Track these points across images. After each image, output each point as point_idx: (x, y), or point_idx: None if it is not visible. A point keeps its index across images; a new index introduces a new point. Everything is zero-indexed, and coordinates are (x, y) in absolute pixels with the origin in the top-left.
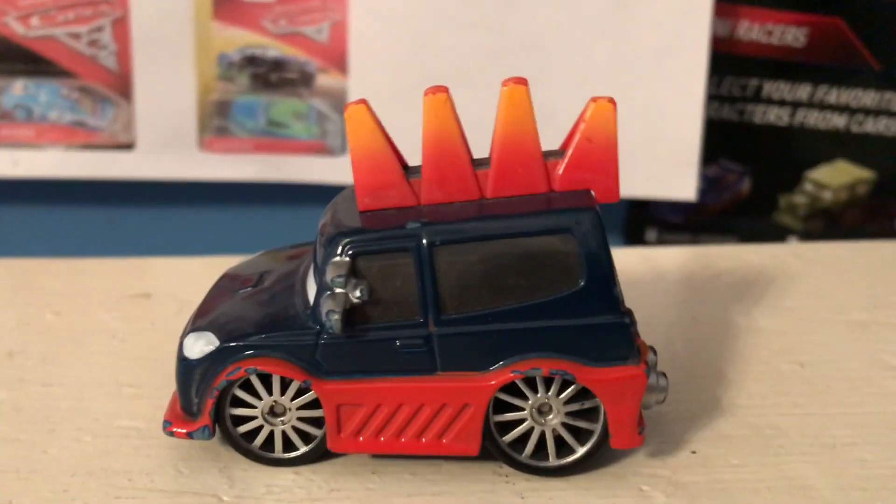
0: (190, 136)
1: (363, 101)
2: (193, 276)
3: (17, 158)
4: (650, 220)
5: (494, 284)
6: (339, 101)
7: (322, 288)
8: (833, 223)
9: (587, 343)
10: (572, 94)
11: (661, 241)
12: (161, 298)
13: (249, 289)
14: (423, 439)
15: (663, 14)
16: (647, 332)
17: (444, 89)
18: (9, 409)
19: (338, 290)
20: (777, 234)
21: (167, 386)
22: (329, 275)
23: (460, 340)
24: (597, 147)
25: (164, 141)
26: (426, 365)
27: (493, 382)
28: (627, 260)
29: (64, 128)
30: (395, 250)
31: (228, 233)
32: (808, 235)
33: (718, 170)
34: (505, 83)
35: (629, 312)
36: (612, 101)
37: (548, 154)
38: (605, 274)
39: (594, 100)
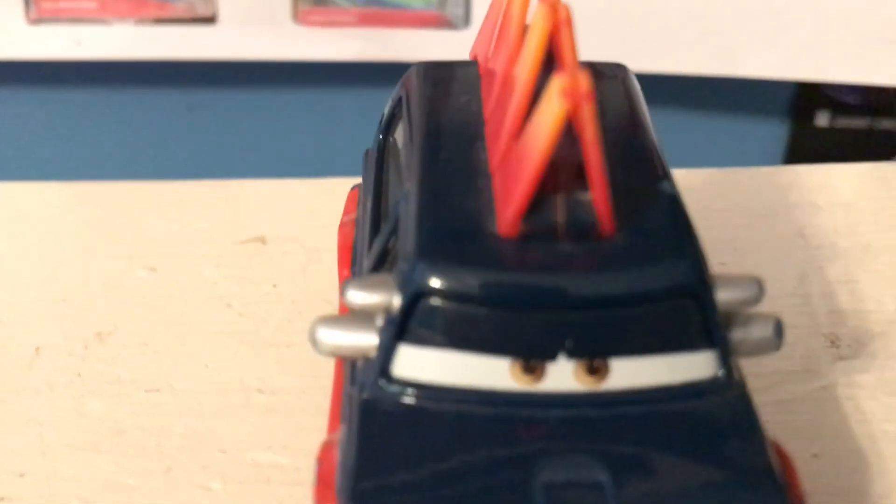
0: (282, 7)
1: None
2: (313, 211)
3: (80, 37)
4: (822, 101)
5: None
6: None
7: None
8: None
9: None
10: None
11: (832, 126)
12: (279, 244)
13: None
14: None
15: None
16: None
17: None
18: (109, 431)
19: None
20: None
21: (306, 391)
22: None
23: None
24: None
25: (252, 13)
26: None
27: None
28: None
29: None
30: None
31: (328, 122)
32: None
33: None
34: None
35: None
36: None
37: None
38: None
39: None
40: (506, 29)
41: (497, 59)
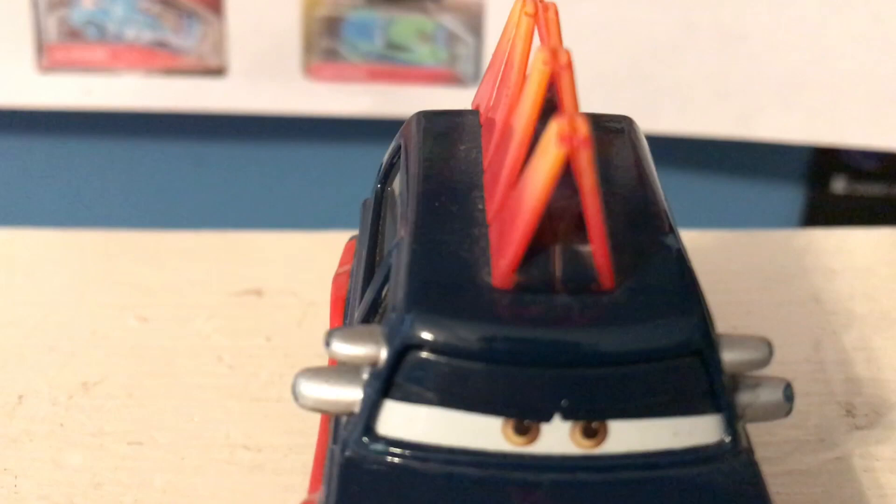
0: (293, 61)
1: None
2: (312, 263)
3: (90, 86)
4: (838, 166)
5: None
6: (474, 18)
7: None
8: None
9: None
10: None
11: (849, 192)
12: (276, 297)
13: None
14: None
15: None
16: None
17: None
18: (86, 484)
19: None
20: None
21: (293, 448)
22: None
23: None
24: None
25: (262, 66)
26: None
27: None
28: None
29: (142, 49)
30: None
31: (338, 176)
32: None
33: None
34: None
35: None
36: None
37: None
38: None
39: None
40: (507, 77)
41: (497, 107)
